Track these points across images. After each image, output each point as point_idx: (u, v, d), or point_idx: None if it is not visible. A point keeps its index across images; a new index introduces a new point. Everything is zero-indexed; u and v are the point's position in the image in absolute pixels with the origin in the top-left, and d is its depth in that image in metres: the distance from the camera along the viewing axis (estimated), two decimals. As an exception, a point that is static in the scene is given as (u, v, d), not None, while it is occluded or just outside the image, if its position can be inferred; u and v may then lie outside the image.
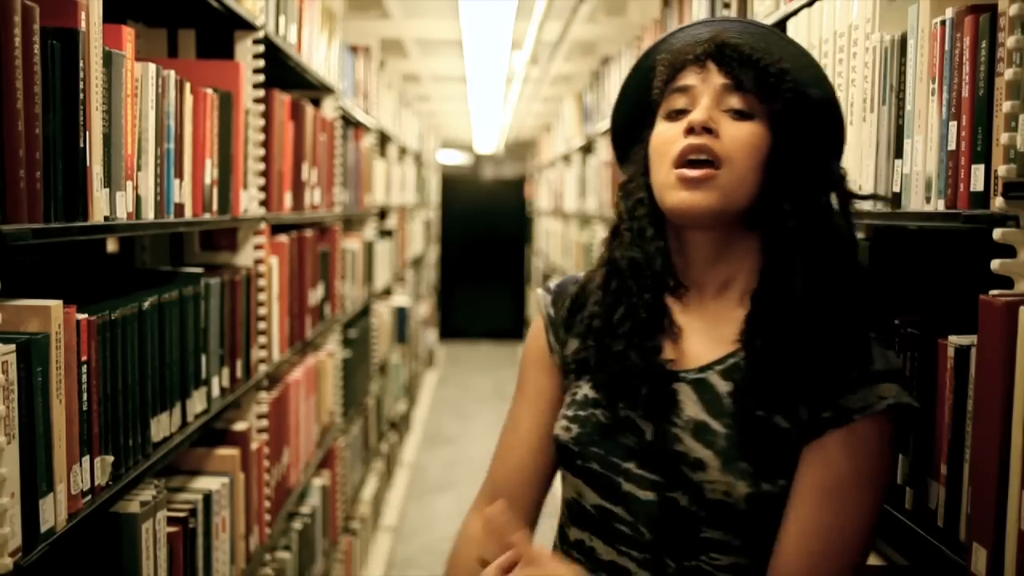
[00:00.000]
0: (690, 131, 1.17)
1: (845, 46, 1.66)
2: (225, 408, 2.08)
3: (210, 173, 1.97)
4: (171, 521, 1.76)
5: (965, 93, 1.26)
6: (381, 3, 4.59)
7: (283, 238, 2.68)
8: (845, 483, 1.12)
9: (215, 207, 2.01)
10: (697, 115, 1.17)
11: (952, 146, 1.30)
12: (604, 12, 4.77)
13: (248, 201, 2.25)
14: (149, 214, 1.65)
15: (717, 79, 1.18)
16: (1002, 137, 1.16)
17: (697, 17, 3.00)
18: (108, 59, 1.45)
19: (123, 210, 1.52)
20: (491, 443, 1.39)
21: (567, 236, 6.64)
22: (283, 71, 2.85)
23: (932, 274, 1.54)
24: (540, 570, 1.08)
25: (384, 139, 5.59)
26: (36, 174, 1.25)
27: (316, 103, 3.41)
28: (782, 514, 1.16)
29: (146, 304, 1.62)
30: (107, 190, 1.46)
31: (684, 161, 1.17)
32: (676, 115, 1.20)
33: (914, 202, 1.40)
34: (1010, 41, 1.15)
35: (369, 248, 4.62)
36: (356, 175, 4.20)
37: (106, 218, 1.46)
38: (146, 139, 1.62)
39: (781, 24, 2.03)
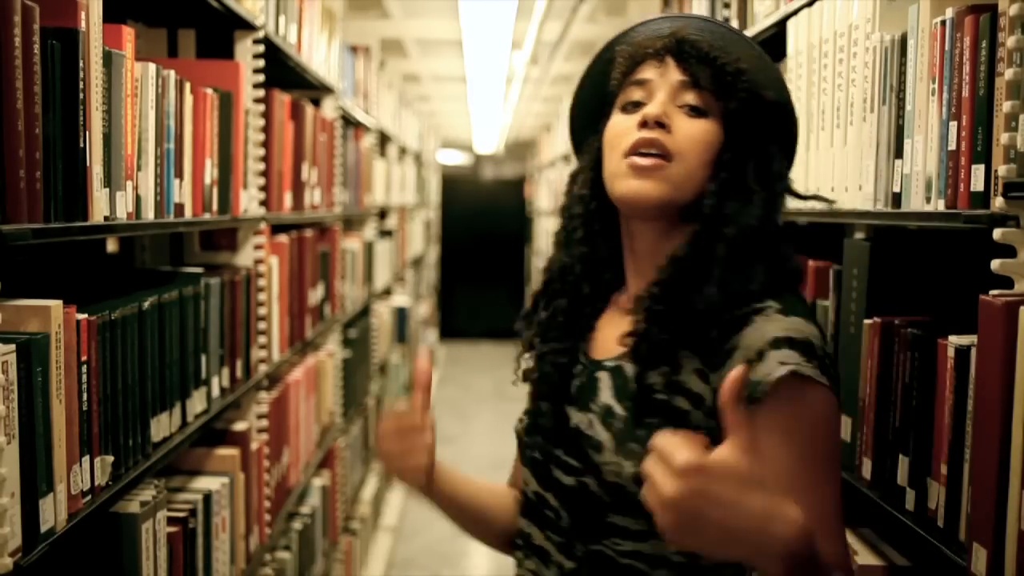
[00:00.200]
0: (644, 124, 1.18)
1: (845, 46, 1.66)
2: (225, 408, 2.07)
3: (210, 173, 1.97)
4: (171, 521, 1.76)
5: (965, 93, 1.26)
6: (381, 3, 4.59)
7: (283, 238, 2.68)
8: (799, 467, 1.07)
9: (215, 207, 2.01)
10: (652, 109, 1.18)
11: (952, 146, 1.29)
12: (604, 12, 4.77)
13: (248, 201, 2.25)
14: (149, 214, 1.65)
15: (675, 75, 1.20)
16: (1002, 137, 1.16)
17: (697, 17, 2.99)
18: (108, 59, 1.45)
19: (123, 210, 1.52)
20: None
21: (567, 236, 6.62)
22: (283, 71, 2.85)
23: (932, 274, 1.54)
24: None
25: (384, 139, 5.59)
26: (36, 174, 1.25)
27: (316, 103, 3.41)
28: None
29: (146, 304, 1.62)
30: (107, 190, 1.46)
31: (635, 152, 1.19)
32: (632, 107, 1.22)
33: (914, 202, 1.40)
34: (1010, 41, 1.15)
35: (369, 248, 4.62)
36: (356, 175, 4.20)
37: (106, 218, 1.46)
38: (146, 139, 1.62)
39: (781, 24, 2.03)
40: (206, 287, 1.96)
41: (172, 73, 1.74)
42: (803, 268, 1.22)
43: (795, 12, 1.92)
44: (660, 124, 1.18)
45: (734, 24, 2.50)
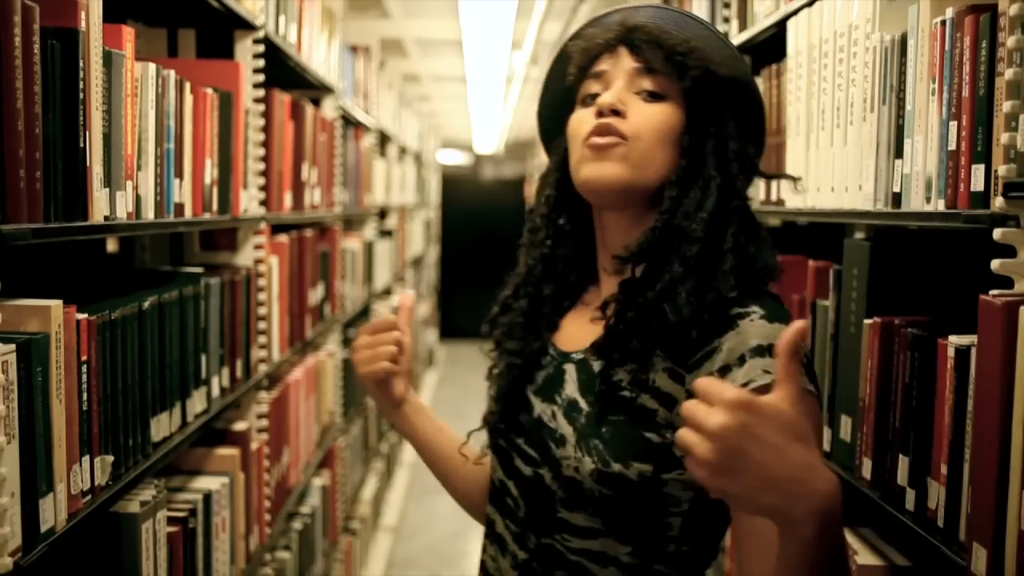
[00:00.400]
0: (599, 114, 1.19)
1: (845, 46, 1.66)
2: (225, 408, 2.07)
3: (210, 173, 1.97)
4: (171, 521, 1.76)
5: (965, 93, 1.26)
6: (381, 3, 4.59)
7: (283, 238, 2.68)
8: None
9: (215, 207, 2.01)
10: (605, 97, 1.18)
11: (952, 146, 1.30)
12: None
13: (248, 201, 2.25)
14: (149, 214, 1.65)
15: (628, 63, 1.20)
16: (1002, 137, 1.16)
17: (697, 17, 2.99)
18: (108, 59, 1.45)
19: (123, 210, 1.52)
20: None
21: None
22: (283, 71, 2.85)
23: (932, 274, 1.54)
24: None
25: (384, 139, 5.59)
26: (36, 174, 1.25)
27: (316, 103, 3.41)
28: (649, 503, 1.13)
29: (146, 304, 1.62)
30: (107, 190, 1.46)
31: (592, 136, 1.19)
32: (590, 100, 1.22)
33: (914, 202, 1.40)
34: (1010, 41, 1.15)
35: (369, 248, 4.62)
36: (356, 175, 4.20)
37: (106, 218, 1.46)
38: (146, 139, 1.62)
39: (781, 24, 2.03)
40: (206, 287, 1.96)
41: (172, 73, 1.74)
42: (777, 264, 1.19)
43: (795, 12, 1.92)
44: (615, 112, 1.18)
45: (734, 24, 2.50)
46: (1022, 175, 1.14)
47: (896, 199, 1.46)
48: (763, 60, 2.23)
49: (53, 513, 1.29)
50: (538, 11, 4.67)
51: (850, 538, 1.58)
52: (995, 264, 1.19)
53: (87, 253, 2.15)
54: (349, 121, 4.14)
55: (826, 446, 1.70)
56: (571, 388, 1.20)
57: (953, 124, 1.29)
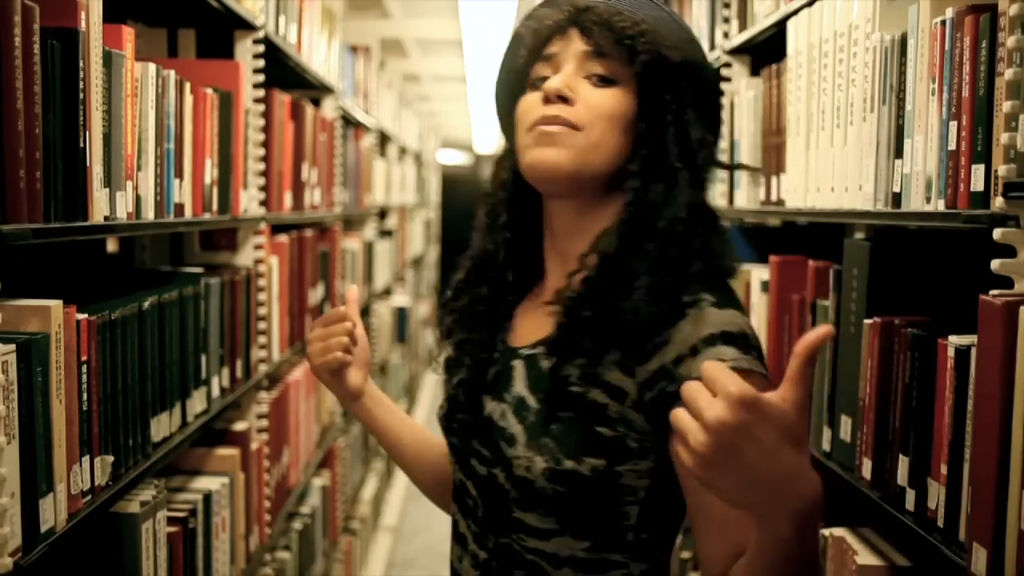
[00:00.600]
0: (546, 100, 1.15)
1: (845, 46, 1.67)
2: (225, 408, 2.07)
3: (210, 173, 1.97)
4: (171, 521, 1.76)
5: (965, 93, 1.26)
6: (381, 3, 4.59)
7: (283, 238, 2.68)
8: None
9: (215, 207, 2.01)
10: (552, 83, 1.15)
11: (952, 146, 1.30)
12: (604, 12, 4.76)
13: (248, 201, 2.25)
14: (149, 214, 1.65)
15: (579, 45, 1.17)
16: (1002, 137, 1.16)
17: (697, 18, 3.00)
18: (108, 59, 1.45)
19: (123, 210, 1.52)
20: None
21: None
22: (283, 71, 2.85)
23: (932, 274, 1.54)
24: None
25: (384, 139, 5.59)
26: (36, 174, 1.25)
27: (316, 103, 3.41)
28: (604, 497, 1.11)
29: (146, 304, 1.62)
30: (107, 190, 1.46)
31: (538, 130, 1.16)
32: (540, 83, 1.18)
33: (914, 202, 1.40)
34: (1010, 41, 1.15)
35: (369, 248, 4.62)
36: (356, 175, 4.20)
37: (106, 218, 1.46)
38: (146, 139, 1.62)
39: (781, 24, 2.03)
40: (206, 287, 1.96)
41: (172, 73, 1.74)
42: (737, 264, 1.18)
43: (795, 12, 1.92)
44: (562, 98, 1.15)
45: (734, 24, 2.50)
46: (1022, 175, 1.14)
47: (896, 199, 1.46)
48: (763, 60, 2.23)
49: (53, 513, 1.29)
50: (538, 11, 4.66)
51: (850, 538, 1.58)
52: (995, 264, 1.19)
53: (87, 253, 2.15)
54: (349, 121, 4.14)
55: (826, 446, 1.70)
56: (520, 386, 1.18)
57: (953, 124, 1.29)
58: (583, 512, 1.13)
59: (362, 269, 4.36)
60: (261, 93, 2.33)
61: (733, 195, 2.48)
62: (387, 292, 5.69)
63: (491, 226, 1.28)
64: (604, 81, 1.16)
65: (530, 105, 1.18)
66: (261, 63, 2.31)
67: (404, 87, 7.17)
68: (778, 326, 1.98)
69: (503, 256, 1.26)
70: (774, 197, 2.09)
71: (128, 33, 1.54)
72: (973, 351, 1.23)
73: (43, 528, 1.25)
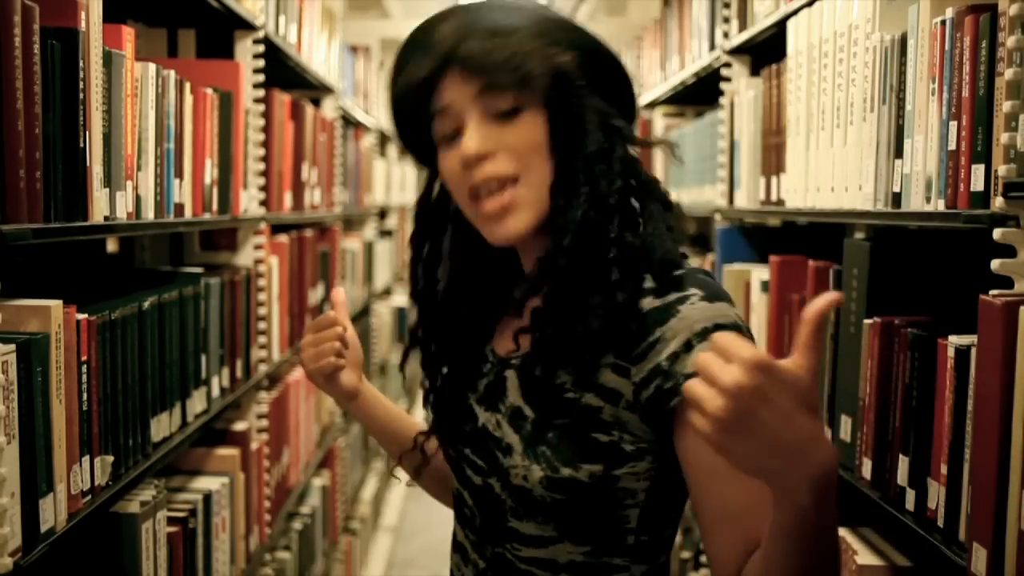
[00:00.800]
0: (467, 166, 1.10)
1: (845, 46, 1.67)
2: (225, 408, 2.07)
3: (210, 173, 1.97)
4: (171, 521, 1.76)
5: (965, 93, 1.26)
6: (381, 3, 4.59)
7: (283, 238, 2.68)
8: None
9: (215, 207, 2.01)
10: (467, 147, 1.09)
11: (952, 146, 1.30)
12: (604, 12, 4.77)
13: (248, 201, 2.25)
14: (149, 214, 1.65)
15: (467, 88, 1.10)
16: (1002, 137, 1.16)
17: (697, 18, 3.00)
18: (108, 59, 1.45)
19: (123, 210, 1.52)
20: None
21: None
22: (283, 71, 2.85)
23: (932, 274, 1.54)
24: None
25: (384, 139, 5.59)
26: (36, 174, 1.25)
27: (316, 103, 3.41)
28: (603, 502, 1.11)
29: (146, 304, 1.62)
30: (107, 190, 1.46)
31: (477, 196, 1.12)
32: (450, 139, 1.13)
33: (914, 202, 1.40)
34: (1010, 41, 1.15)
35: (369, 248, 4.62)
36: (356, 175, 4.20)
37: (106, 218, 1.46)
38: (146, 139, 1.62)
39: (781, 24, 2.03)
40: (206, 287, 1.96)
41: (172, 73, 1.74)
42: (678, 249, 1.13)
43: (795, 12, 1.92)
44: (481, 158, 1.09)
45: (734, 24, 2.50)
46: (1022, 175, 1.14)
47: (896, 199, 1.46)
48: (763, 60, 2.23)
49: (53, 513, 1.28)
50: (538, 11, 4.66)
51: (850, 538, 1.58)
52: (995, 264, 1.19)
53: (87, 253, 2.15)
54: (349, 121, 4.14)
55: (826, 446, 1.70)
56: (514, 395, 1.16)
57: (953, 124, 1.29)
58: (582, 518, 1.12)
59: (362, 269, 4.36)
60: (261, 93, 2.33)
61: (733, 195, 2.48)
62: (387, 292, 5.69)
63: (452, 255, 1.26)
64: (510, 114, 1.10)
65: (453, 168, 1.13)
66: (261, 63, 2.31)
67: (404, 87, 7.16)
68: (778, 326, 1.98)
69: (471, 279, 1.25)
70: (774, 197, 2.09)
71: (128, 33, 1.54)
72: (973, 351, 1.23)
73: (43, 528, 1.25)
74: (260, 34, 2.31)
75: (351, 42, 4.24)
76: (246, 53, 2.29)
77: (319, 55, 3.24)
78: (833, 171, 1.72)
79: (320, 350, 1.35)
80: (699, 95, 3.15)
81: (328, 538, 3.42)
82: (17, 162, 1.20)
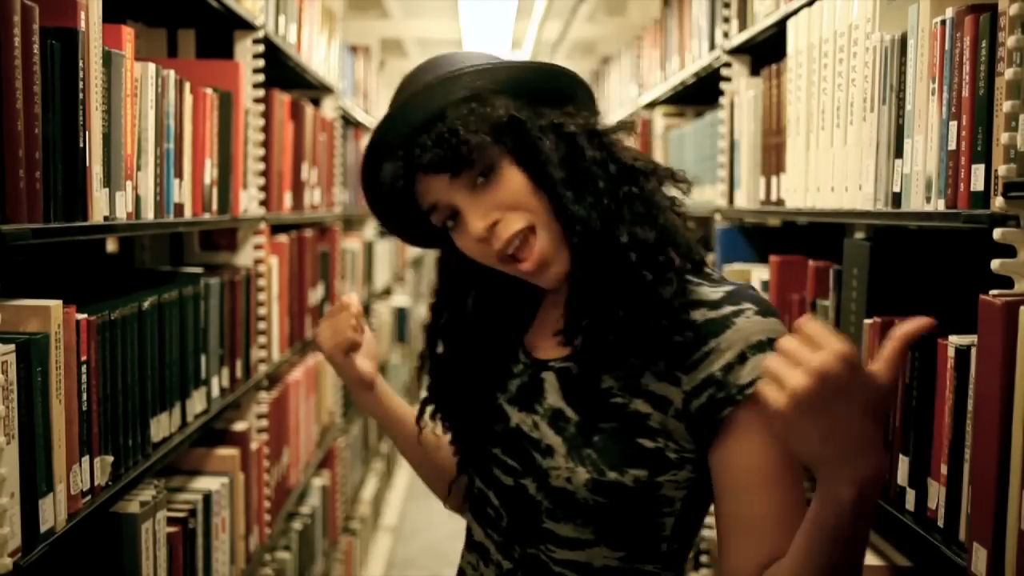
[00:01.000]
0: (483, 241, 1.14)
1: (845, 46, 1.67)
2: (225, 408, 2.07)
3: (210, 173, 1.97)
4: (171, 521, 1.76)
5: (965, 93, 1.26)
6: (381, 3, 4.59)
7: (283, 238, 2.68)
8: (776, 467, 1.06)
9: (215, 207, 2.01)
10: (475, 230, 1.13)
11: (952, 146, 1.29)
12: (604, 12, 4.77)
13: (248, 201, 2.25)
14: (149, 214, 1.65)
15: (439, 182, 1.14)
16: (1002, 137, 1.16)
17: (697, 18, 3.00)
18: (108, 59, 1.45)
19: (123, 210, 1.52)
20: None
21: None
22: (283, 71, 2.85)
23: (932, 274, 1.54)
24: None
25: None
26: (36, 174, 1.25)
27: (316, 103, 3.41)
28: (643, 508, 1.12)
29: (146, 304, 1.62)
30: (107, 190, 1.46)
31: (508, 261, 1.15)
32: (450, 223, 1.17)
33: (914, 202, 1.40)
34: (1010, 41, 1.15)
35: (369, 248, 4.62)
36: (356, 175, 4.19)
37: (106, 218, 1.46)
38: (146, 139, 1.62)
39: (781, 24, 2.03)
40: (206, 287, 1.96)
41: (172, 73, 1.74)
42: (695, 244, 1.17)
43: (795, 12, 1.92)
44: (491, 228, 1.13)
45: (734, 24, 2.50)
46: (1022, 175, 1.14)
47: (896, 199, 1.46)
48: (763, 60, 2.23)
49: (53, 513, 1.28)
50: (538, 11, 4.67)
51: (850, 538, 1.58)
52: (995, 264, 1.19)
53: (87, 253, 2.15)
54: (349, 121, 4.14)
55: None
56: (554, 397, 1.17)
57: (953, 124, 1.29)
58: (622, 523, 1.14)
59: (362, 269, 4.36)
60: (261, 93, 2.33)
61: (733, 195, 2.48)
62: (387, 292, 5.69)
63: (480, 308, 1.27)
64: (486, 174, 1.13)
65: (472, 247, 1.17)
66: (261, 63, 2.31)
67: (404, 87, 7.15)
68: (778, 326, 1.97)
69: (502, 280, 1.24)
70: (774, 197, 2.09)
71: (128, 33, 1.54)
72: (973, 351, 1.23)
73: (43, 528, 1.25)
74: (260, 34, 2.31)
75: (351, 42, 4.24)
76: (246, 53, 2.28)
77: (319, 55, 3.24)
78: (833, 171, 1.72)
79: (337, 327, 1.36)
80: (699, 95, 3.16)
81: (328, 538, 3.42)
82: (17, 162, 1.20)
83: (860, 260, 1.58)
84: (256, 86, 2.29)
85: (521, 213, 1.13)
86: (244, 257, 2.34)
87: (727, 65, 2.54)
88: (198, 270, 1.99)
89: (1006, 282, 1.20)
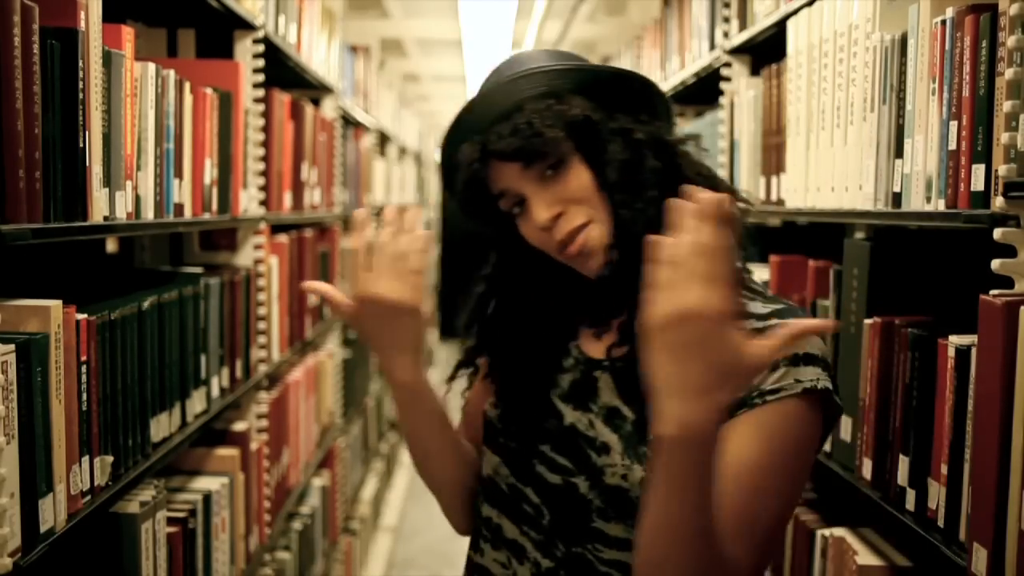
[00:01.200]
0: (545, 230, 1.18)
1: (845, 46, 1.66)
2: (225, 408, 2.07)
3: (210, 173, 1.97)
4: (171, 521, 1.76)
5: (965, 93, 1.26)
6: (381, 3, 4.59)
7: (283, 238, 2.68)
8: (756, 469, 1.07)
9: (215, 207, 2.01)
10: (539, 219, 1.17)
11: (952, 146, 1.29)
12: (604, 12, 4.77)
13: (248, 201, 2.25)
14: (149, 214, 1.65)
15: (511, 169, 1.18)
16: (1002, 137, 1.16)
17: (697, 17, 3.00)
18: (108, 59, 1.45)
19: (123, 210, 1.52)
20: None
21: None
22: (283, 71, 2.84)
23: (932, 274, 1.54)
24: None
25: (384, 139, 5.59)
26: (36, 174, 1.25)
27: (316, 103, 3.41)
28: None
29: (146, 304, 1.62)
30: (107, 190, 1.46)
31: (563, 248, 1.19)
32: (517, 210, 1.22)
33: (914, 202, 1.40)
34: (1010, 41, 1.15)
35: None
36: (356, 175, 4.19)
37: (106, 218, 1.46)
38: (146, 139, 1.62)
39: (781, 24, 2.03)
40: (206, 287, 1.96)
41: (172, 73, 1.74)
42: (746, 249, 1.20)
43: (795, 12, 1.92)
44: (554, 219, 1.17)
45: (734, 24, 2.50)
46: (1022, 175, 1.14)
47: (896, 199, 1.46)
48: (763, 60, 2.23)
49: (53, 513, 1.28)
50: (538, 11, 4.67)
51: (850, 538, 1.58)
52: (995, 264, 1.19)
53: (87, 253, 2.15)
54: (349, 121, 4.14)
55: (827, 446, 1.70)
56: (608, 396, 1.19)
57: (953, 124, 1.29)
58: None
59: (362, 269, 4.35)
60: (261, 93, 2.33)
61: (733, 195, 2.48)
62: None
63: (538, 293, 1.29)
64: (556, 167, 1.18)
65: (535, 235, 1.21)
66: (261, 63, 2.31)
67: (404, 87, 7.17)
68: (778, 326, 1.97)
69: (553, 275, 1.26)
70: (774, 197, 2.09)
71: (128, 33, 1.54)
72: (973, 351, 1.23)
73: (43, 528, 1.25)
74: (260, 34, 2.31)
75: (351, 42, 4.24)
76: (246, 53, 2.28)
77: (319, 55, 3.24)
78: (833, 171, 1.72)
79: (398, 269, 1.17)
80: (699, 95, 3.15)
81: (328, 538, 3.42)
82: (17, 162, 1.20)
83: (860, 260, 1.58)
84: (256, 86, 2.29)
85: (583, 208, 1.18)
86: (244, 257, 2.34)
87: (727, 65, 2.54)
88: (198, 270, 1.99)
89: (1006, 282, 1.20)
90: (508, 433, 1.26)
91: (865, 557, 1.51)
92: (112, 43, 1.48)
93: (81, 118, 1.35)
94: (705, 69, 2.84)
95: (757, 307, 1.15)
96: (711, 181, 1.21)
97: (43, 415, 1.26)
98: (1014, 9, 1.15)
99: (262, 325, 2.37)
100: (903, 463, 1.41)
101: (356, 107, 4.23)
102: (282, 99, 2.62)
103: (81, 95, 1.35)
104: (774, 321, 1.12)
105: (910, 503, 1.39)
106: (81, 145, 1.36)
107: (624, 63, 4.62)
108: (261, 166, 2.37)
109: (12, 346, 1.19)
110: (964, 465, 1.25)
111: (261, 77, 2.32)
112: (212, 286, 2.00)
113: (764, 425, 1.08)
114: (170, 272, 1.98)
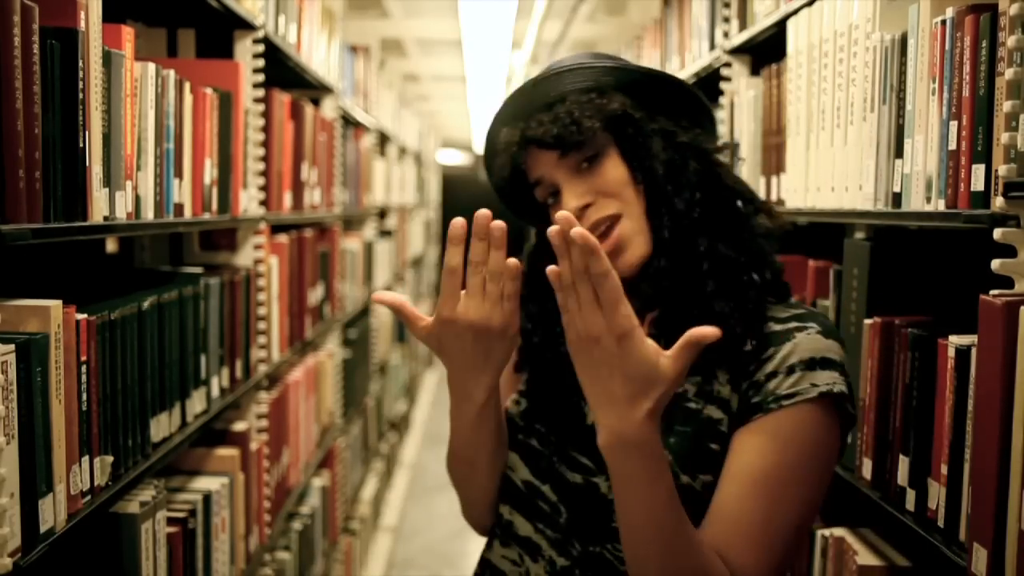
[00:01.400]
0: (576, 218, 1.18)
1: (845, 46, 1.66)
2: (225, 408, 2.07)
3: (210, 173, 1.97)
4: (171, 521, 1.76)
5: (965, 93, 1.26)
6: (381, 3, 4.59)
7: (283, 238, 2.68)
8: (770, 477, 1.08)
9: (215, 207, 2.01)
10: (568, 206, 1.18)
11: (952, 146, 1.29)
12: (604, 12, 4.77)
13: (248, 201, 2.25)
14: (149, 214, 1.65)
15: (548, 158, 1.20)
16: (1002, 137, 1.16)
17: (697, 17, 3.00)
18: (108, 59, 1.45)
19: (123, 210, 1.52)
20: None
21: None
22: (283, 71, 2.85)
23: (932, 274, 1.54)
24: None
25: (384, 139, 5.59)
26: (36, 174, 1.25)
27: (316, 103, 3.41)
28: (701, 513, 1.12)
29: (146, 304, 1.62)
30: (107, 190, 1.46)
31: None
32: (555, 199, 1.23)
33: (914, 202, 1.40)
34: (1010, 41, 1.15)
35: (369, 248, 4.62)
36: (356, 175, 4.19)
37: (105, 218, 1.46)
38: (146, 139, 1.62)
39: (781, 24, 2.03)
40: (206, 287, 1.96)
41: (172, 73, 1.74)
42: (777, 266, 1.21)
43: (795, 12, 1.92)
44: (583, 209, 1.18)
45: (734, 24, 2.50)
46: (1022, 175, 1.14)
47: (896, 199, 1.46)
48: (763, 60, 2.23)
49: (53, 513, 1.28)
50: (538, 11, 4.67)
51: (850, 538, 1.58)
52: (995, 264, 1.19)
53: (87, 253, 2.15)
54: (349, 121, 4.14)
55: (826, 446, 1.70)
56: None
57: (953, 124, 1.29)
58: None
59: (362, 269, 4.36)
60: (261, 93, 2.33)
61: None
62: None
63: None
64: (592, 160, 1.20)
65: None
66: (261, 63, 2.31)
67: (404, 87, 7.17)
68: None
69: None
70: (774, 197, 2.09)
71: (128, 33, 1.54)
72: (973, 351, 1.23)
73: (43, 528, 1.25)
74: (260, 34, 2.31)
75: (351, 42, 4.24)
76: (246, 53, 2.28)
77: (319, 55, 3.24)
78: (833, 171, 1.72)
79: (490, 291, 1.09)
80: (699, 95, 3.15)
81: (328, 538, 3.42)
82: (16, 162, 1.20)
83: (860, 260, 1.58)
84: (256, 86, 2.29)
85: (614, 201, 1.19)
86: (244, 257, 2.34)
87: (727, 65, 2.53)
88: (198, 270, 1.99)
89: (1006, 282, 1.20)
90: (529, 430, 1.26)
91: (865, 557, 1.51)
92: (112, 43, 1.48)
93: (81, 118, 1.35)
94: (705, 69, 2.83)
95: (779, 311, 1.17)
96: (748, 193, 1.23)
97: (43, 415, 1.26)
98: (1014, 9, 1.15)
99: (262, 325, 2.37)
100: (903, 463, 1.41)
101: (356, 107, 4.23)
102: (282, 99, 2.62)
103: (81, 95, 1.35)
104: (793, 325, 1.14)
105: (910, 503, 1.39)
106: (81, 145, 1.36)
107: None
108: (261, 166, 2.37)
109: (12, 346, 1.19)
110: (964, 465, 1.25)
111: (261, 77, 2.32)
112: (212, 286, 2.00)
113: (779, 431, 1.09)
114: (170, 272, 1.98)
